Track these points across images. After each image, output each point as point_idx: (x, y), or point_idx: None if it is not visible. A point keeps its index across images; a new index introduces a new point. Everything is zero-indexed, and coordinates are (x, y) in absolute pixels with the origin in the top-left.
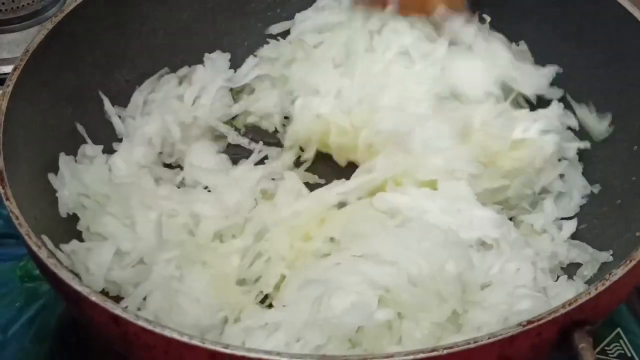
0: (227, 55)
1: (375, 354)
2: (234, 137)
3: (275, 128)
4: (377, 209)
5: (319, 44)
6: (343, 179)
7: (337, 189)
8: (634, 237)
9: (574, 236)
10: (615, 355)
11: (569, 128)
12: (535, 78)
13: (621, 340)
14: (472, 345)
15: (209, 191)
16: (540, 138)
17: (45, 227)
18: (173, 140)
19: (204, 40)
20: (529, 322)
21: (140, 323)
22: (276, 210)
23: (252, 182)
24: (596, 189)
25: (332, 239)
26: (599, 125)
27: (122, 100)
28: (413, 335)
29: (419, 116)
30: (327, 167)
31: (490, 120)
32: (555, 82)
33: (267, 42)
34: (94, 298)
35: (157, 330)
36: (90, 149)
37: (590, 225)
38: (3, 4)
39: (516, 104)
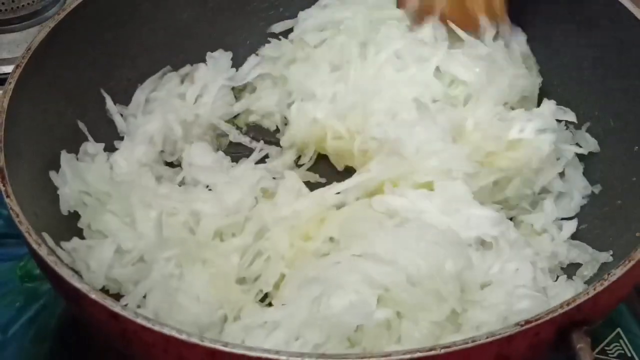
0: (229, 54)
1: (374, 352)
2: (235, 136)
3: (277, 127)
4: (376, 210)
5: (321, 42)
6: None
7: (336, 188)
8: (634, 237)
9: (574, 236)
10: (615, 355)
11: (567, 127)
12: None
13: (621, 340)
14: (470, 345)
15: (210, 190)
16: (537, 138)
17: (46, 224)
18: (175, 138)
19: (206, 38)
20: (527, 321)
21: (140, 321)
22: (276, 209)
23: (253, 180)
24: (597, 189)
25: (331, 239)
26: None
27: (123, 98)
28: (412, 335)
29: (411, 120)
30: (327, 167)
31: (485, 121)
32: (555, 83)
33: (269, 41)
34: (93, 296)
35: (157, 328)
36: (92, 147)
37: (590, 225)
38: (3, 4)
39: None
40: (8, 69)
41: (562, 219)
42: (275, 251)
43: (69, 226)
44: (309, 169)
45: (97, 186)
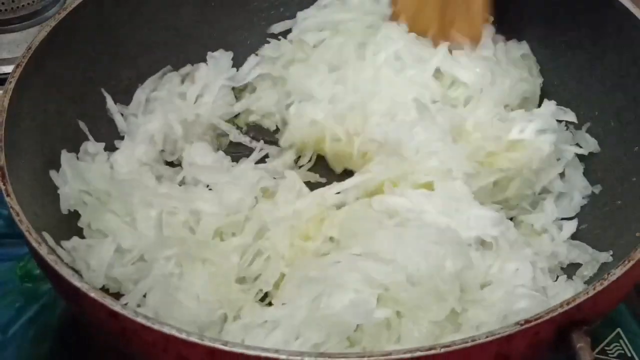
0: (230, 54)
1: (374, 352)
2: (235, 136)
3: (277, 127)
4: (376, 210)
5: (320, 42)
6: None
7: (336, 187)
8: (634, 237)
9: (574, 236)
10: (615, 355)
11: (567, 127)
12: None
13: (621, 340)
14: (469, 344)
15: (210, 189)
16: (537, 139)
17: (46, 223)
18: (175, 137)
19: (207, 38)
20: (527, 321)
21: (139, 320)
22: (276, 208)
23: (253, 180)
24: (597, 189)
25: (331, 239)
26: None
27: (124, 98)
28: (412, 334)
29: (411, 120)
30: (327, 167)
31: (486, 121)
32: (555, 83)
33: (269, 42)
34: (93, 294)
35: (156, 327)
36: (92, 146)
37: (590, 225)
38: (3, 4)
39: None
40: (8, 69)
41: (563, 219)
42: (275, 251)
43: (69, 225)
44: (309, 169)
45: (98, 185)
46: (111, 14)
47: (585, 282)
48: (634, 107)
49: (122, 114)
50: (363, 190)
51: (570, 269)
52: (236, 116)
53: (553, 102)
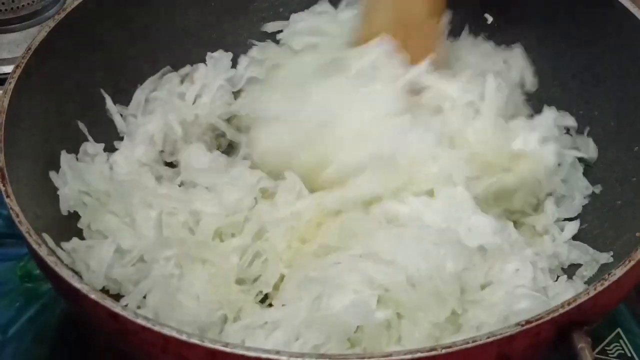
0: (229, 55)
1: (374, 353)
2: (233, 136)
3: None
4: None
5: (305, 47)
6: None
7: (334, 195)
8: (634, 237)
9: (574, 237)
10: (615, 355)
11: (567, 130)
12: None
13: (621, 340)
14: (470, 345)
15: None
16: (541, 149)
17: (46, 224)
18: (175, 138)
19: (206, 39)
20: (528, 321)
21: (139, 321)
22: (276, 209)
23: (252, 180)
24: (597, 189)
25: (330, 240)
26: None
27: (123, 98)
28: (412, 335)
29: (399, 131)
30: None
31: (486, 132)
32: (554, 85)
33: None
34: (93, 296)
35: (156, 328)
36: (92, 147)
37: (590, 225)
38: (3, 4)
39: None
40: (8, 69)
41: (564, 219)
42: (273, 252)
43: (69, 226)
44: None
45: (97, 186)
46: (110, 14)
47: (585, 283)
48: (633, 107)
49: (121, 115)
50: (361, 202)
51: (571, 269)
52: (236, 116)
53: (553, 109)
